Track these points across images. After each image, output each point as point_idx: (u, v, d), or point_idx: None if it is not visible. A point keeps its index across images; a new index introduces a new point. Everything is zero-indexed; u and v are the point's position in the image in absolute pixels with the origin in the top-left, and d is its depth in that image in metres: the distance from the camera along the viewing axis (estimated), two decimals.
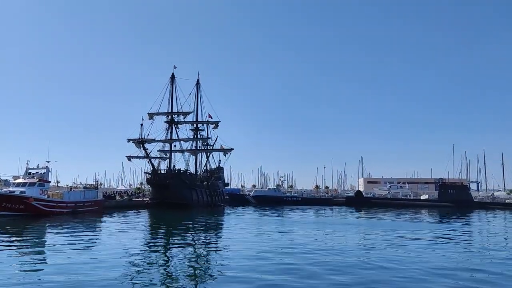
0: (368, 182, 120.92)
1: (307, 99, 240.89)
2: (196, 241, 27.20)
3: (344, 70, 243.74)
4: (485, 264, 19.33)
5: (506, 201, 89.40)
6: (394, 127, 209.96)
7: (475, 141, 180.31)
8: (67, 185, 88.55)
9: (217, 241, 27.66)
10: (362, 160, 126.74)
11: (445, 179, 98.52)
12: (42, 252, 21.46)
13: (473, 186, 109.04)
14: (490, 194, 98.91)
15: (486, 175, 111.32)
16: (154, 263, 18.70)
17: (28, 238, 26.92)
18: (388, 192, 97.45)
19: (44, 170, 46.81)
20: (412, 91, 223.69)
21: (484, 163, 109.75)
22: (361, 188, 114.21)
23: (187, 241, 26.79)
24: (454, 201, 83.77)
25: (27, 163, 47.88)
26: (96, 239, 26.76)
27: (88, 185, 59.18)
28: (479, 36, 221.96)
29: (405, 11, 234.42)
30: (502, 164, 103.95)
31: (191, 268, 17.86)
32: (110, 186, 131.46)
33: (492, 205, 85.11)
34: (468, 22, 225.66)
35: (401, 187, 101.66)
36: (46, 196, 45.00)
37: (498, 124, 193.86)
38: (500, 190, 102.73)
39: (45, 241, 26.25)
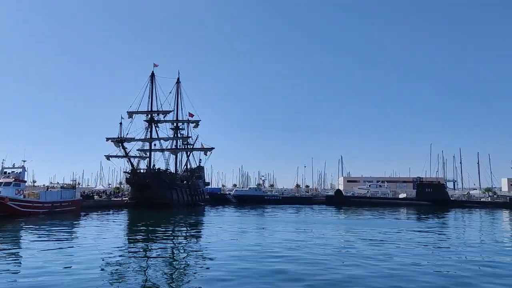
0: (348, 181, 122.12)
1: (287, 99, 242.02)
2: (176, 242, 26.99)
3: (323, 71, 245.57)
4: (460, 264, 19.72)
5: (482, 199, 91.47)
6: (373, 127, 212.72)
7: (452, 140, 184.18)
8: (43, 185, 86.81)
9: (197, 241, 27.52)
10: (342, 159, 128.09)
11: (422, 178, 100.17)
12: (15, 255, 20.95)
13: (449, 185, 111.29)
14: (466, 193, 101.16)
15: (462, 174, 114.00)
16: (132, 265, 18.42)
17: (1, 240, 26.26)
18: (368, 191, 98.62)
19: (20, 170, 45.80)
20: (390, 92, 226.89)
21: (461, 162, 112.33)
22: (341, 187, 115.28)
23: (167, 242, 26.54)
24: (431, 199, 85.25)
25: (2, 163, 46.77)
26: (72, 240, 26.27)
27: (65, 185, 58.08)
28: (455, 39, 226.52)
29: (384, 18, 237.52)
30: (478, 163, 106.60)
31: (171, 270, 17.71)
32: (88, 185, 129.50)
33: (468, 204, 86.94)
34: (444, 24, 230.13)
35: (380, 186, 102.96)
36: (22, 196, 44.05)
37: (474, 124, 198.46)
38: (476, 189, 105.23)
39: (19, 243, 25.63)
